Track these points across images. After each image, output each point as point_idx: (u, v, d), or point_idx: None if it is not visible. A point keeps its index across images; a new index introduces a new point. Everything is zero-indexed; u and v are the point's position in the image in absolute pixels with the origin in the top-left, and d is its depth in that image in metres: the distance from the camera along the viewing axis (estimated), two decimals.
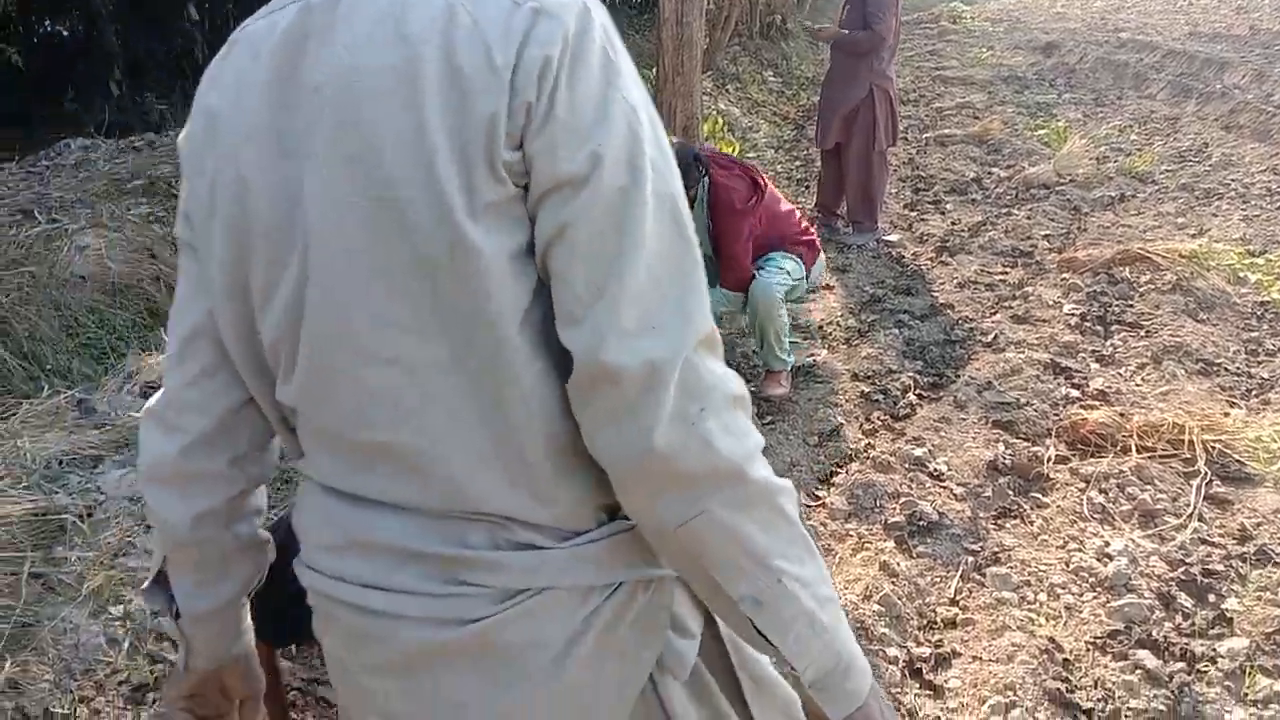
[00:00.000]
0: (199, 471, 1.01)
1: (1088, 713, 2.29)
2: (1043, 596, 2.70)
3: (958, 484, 3.24)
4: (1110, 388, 3.85)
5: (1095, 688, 2.37)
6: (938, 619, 2.64)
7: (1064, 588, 2.73)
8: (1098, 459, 3.33)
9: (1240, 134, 7.93)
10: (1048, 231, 5.89)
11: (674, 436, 0.80)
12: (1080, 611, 2.63)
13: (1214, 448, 3.29)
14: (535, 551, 0.88)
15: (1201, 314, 4.54)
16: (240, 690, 1.18)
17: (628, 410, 0.79)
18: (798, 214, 4.12)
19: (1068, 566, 2.81)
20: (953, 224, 6.18)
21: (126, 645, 2.24)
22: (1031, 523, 3.06)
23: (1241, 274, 4.98)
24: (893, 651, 2.49)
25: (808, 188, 6.92)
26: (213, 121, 0.90)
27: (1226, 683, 2.36)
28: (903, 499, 3.10)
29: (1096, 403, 3.71)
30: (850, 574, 2.78)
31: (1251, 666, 2.39)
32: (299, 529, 1.01)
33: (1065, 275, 5.12)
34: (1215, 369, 4.01)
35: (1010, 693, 2.32)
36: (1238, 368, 4.05)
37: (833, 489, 3.26)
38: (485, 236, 0.79)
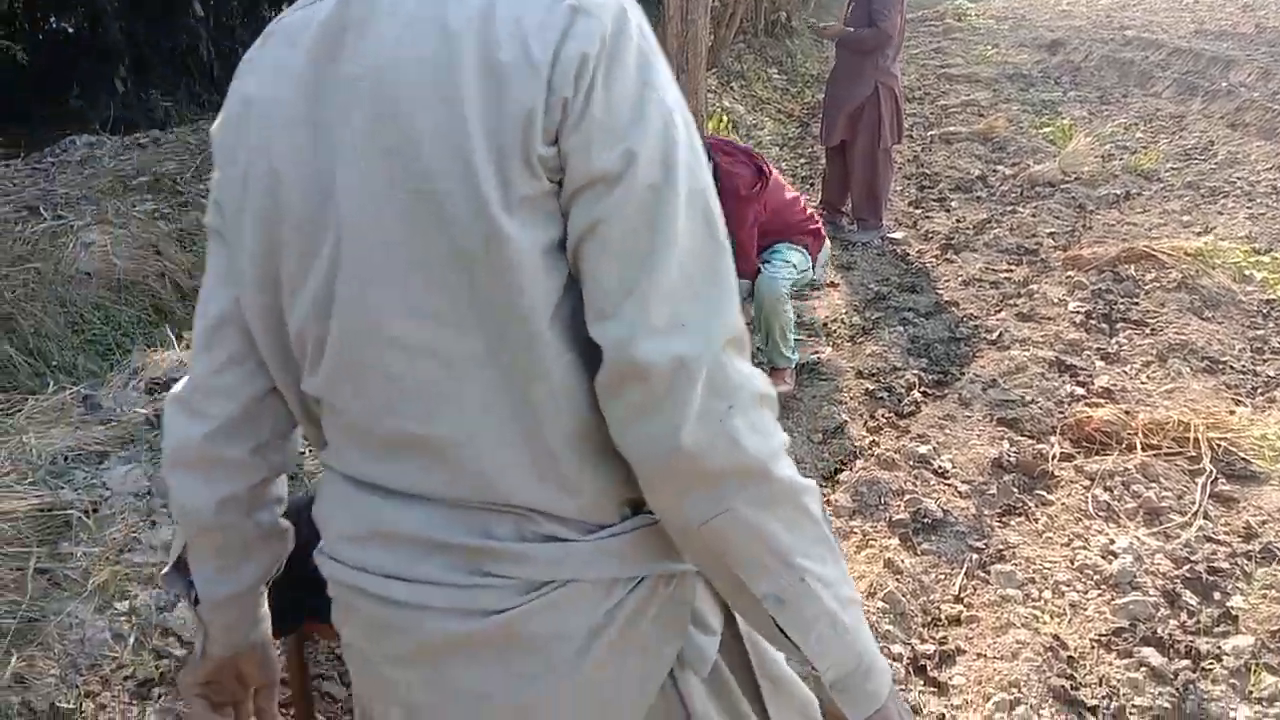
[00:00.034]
0: (223, 457, 1.01)
1: (1092, 710, 2.29)
2: (1047, 594, 2.70)
3: (962, 481, 3.23)
4: (1115, 385, 3.84)
5: (1100, 685, 2.36)
6: (942, 616, 2.64)
7: (1069, 585, 2.73)
8: (1103, 457, 3.33)
9: (1246, 132, 7.91)
10: (1053, 229, 5.88)
11: (701, 434, 0.80)
12: (1085, 609, 2.63)
13: (1219, 445, 3.28)
14: (560, 544, 0.89)
15: (1207, 312, 4.53)
16: (256, 678, 1.18)
17: (656, 407, 0.80)
18: (802, 200, 4.11)
19: (1072, 564, 2.81)
20: (957, 222, 6.17)
21: (132, 640, 2.24)
22: (1036, 520, 3.06)
23: (1247, 272, 4.96)
24: (897, 649, 2.49)
25: (812, 185, 6.91)
26: (248, 109, 0.91)
27: (1232, 680, 2.36)
28: (907, 496, 3.10)
29: (1101, 400, 3.70)
30: (855, 571, 2.78)
31: (1257, 664, 2.39)
32: (320, 519, 1.01)
33: (1070, 273, 5.11)
34: (1221, 367, 4.00)
35: (1015, 690, 2.32)
36: (1243, 365, 4.04)
37: (837, 486, 3.26)
38: (520, 230, 0.79)
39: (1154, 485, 3.14)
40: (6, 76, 7.39)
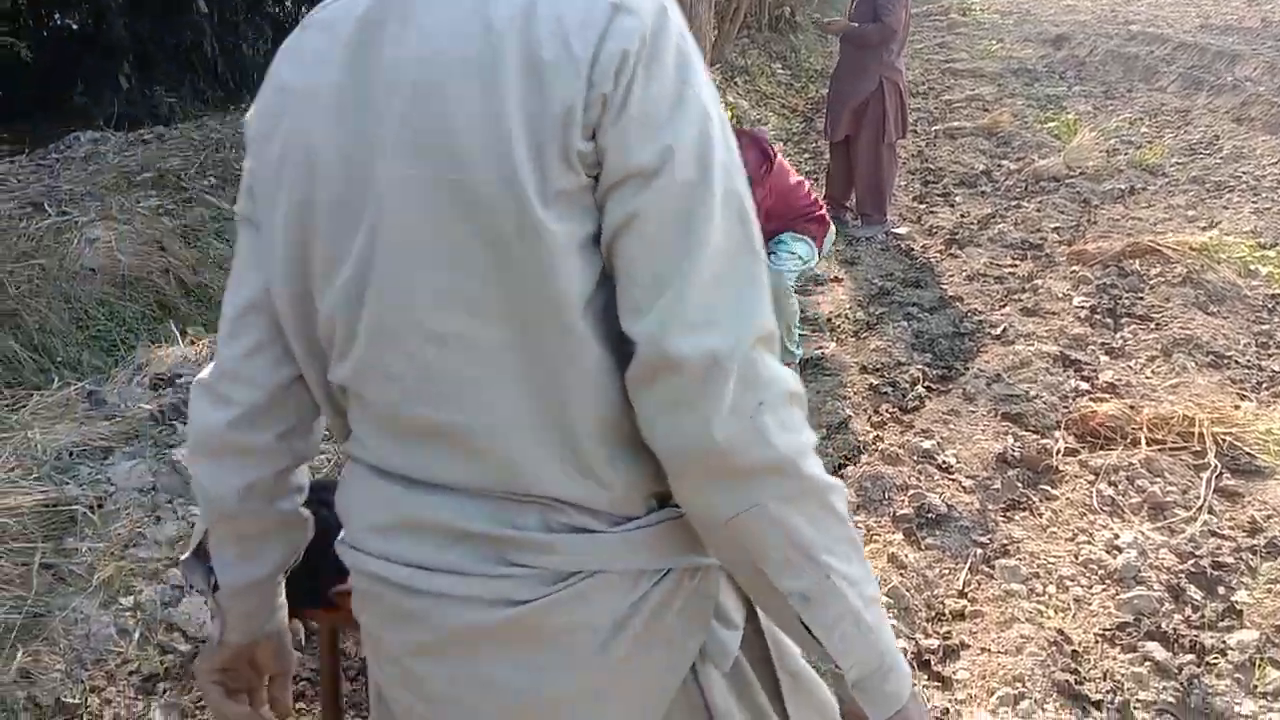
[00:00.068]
0: (247, 444, 1.02)
1: (1097, 704, 2.29)
2: (1051, 589, 2.70)
3: (966, 476, 3.23)
4: (1120, 380, 3.84)
5: (1104, 680, 2.36)
6: (946, 611, 2.64)
7: (1073, 580, 2.72)
8: (1107, 451, 3.32)
9: (1251, 126, 7.89)
10: (1057, 224, 5.87)
11: (732, 429, 0.80)
12: (1089, 604, 2.63)
13: (1224, 440, 3.28)
14: (587, 535, 0.89)
15: (1212, 306, 4.52)
16: (271, 666, 1.18)
17: (687, 401, 0.80)
18: (807, 185, 4.09)
19: (1077, 559, 2.81)
20: (962, 216, 6.16)
21: (137, 636, 2.24)
22: (1040, 515, 3.06)
23: (1252, 266, 4.96)
24: (901, 643, 2.48)
25: (817, 180, 6.90)
26: (285, 97, 0.91)
27: (1236, 675, 2.35)
28: (911, 491, 3.10)
29: (1106, 395, 3.70)
30: None
31: (1261, 659, 2.38)
32: (342, 510, 1.01)
33: (1075, 268, 5.10)
34: (1225, 361, 4.00)
35: (1019, 684, 2.32)
36: (1248, 360, 4.03)
37: (842, 481, 3.26)
38: (556, 223, 0.80)
39: (1158, 480, 3.14)
40: (11, 73, 7.40)
